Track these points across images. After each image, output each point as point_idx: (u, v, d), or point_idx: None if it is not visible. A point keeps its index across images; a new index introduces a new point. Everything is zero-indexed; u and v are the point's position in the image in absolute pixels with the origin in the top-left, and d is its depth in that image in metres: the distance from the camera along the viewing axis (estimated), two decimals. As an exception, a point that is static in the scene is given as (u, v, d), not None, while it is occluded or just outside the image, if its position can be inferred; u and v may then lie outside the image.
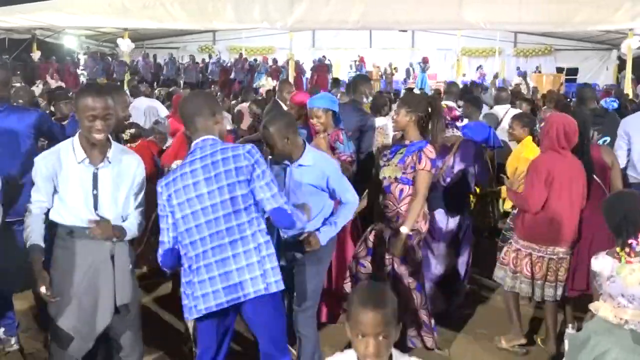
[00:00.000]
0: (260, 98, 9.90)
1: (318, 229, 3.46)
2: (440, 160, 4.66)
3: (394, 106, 6.45)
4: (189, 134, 3.05)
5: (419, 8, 17.04)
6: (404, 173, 3.97)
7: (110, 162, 3.00)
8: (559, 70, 23.06)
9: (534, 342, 4.44)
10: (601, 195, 4.02)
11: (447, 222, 4.79)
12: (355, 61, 22.30)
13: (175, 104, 8.00)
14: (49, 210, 3.00)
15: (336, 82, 13.18)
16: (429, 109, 4.06)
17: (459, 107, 6.45)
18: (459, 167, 4.77)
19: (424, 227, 4.13)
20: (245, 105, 9.39)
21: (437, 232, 4.77)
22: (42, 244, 2.92)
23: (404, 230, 3.89)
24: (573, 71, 24.00)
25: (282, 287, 2.96)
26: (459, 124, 5.11)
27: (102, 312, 3.00)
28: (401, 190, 4.00)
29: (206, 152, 2.89)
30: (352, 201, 3.58)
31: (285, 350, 3.16)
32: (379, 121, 6.58)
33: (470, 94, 8.17)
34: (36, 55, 19.19)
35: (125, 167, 3.06)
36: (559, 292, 4.14)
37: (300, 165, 3.51)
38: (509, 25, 18.83)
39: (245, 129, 8.26)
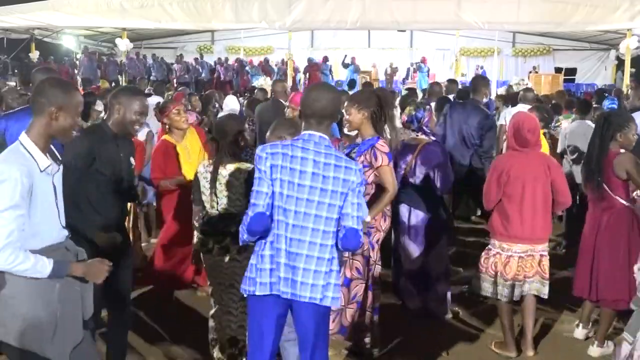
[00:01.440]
0: (255, 99, 9.82)
1: None
2: (404, 160, 4.71)
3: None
4: (307, 124, 2.92)
5: (418, 8, 17.05)
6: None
7: (59, 167, 2.70)
8: (558, 70, 23.07)
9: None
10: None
11: (409, 217, 4.74)
12: (347, 63, 22.21)
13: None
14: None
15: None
16: (379, 103, 4.03)
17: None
18: (419, 170, 4.71)
19: (383, 224, 4.11)
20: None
21: (401, 225, 4.75)
22: (52, 258, 2.51)
23: (367, 219, 3.84)
24: (571, 71, 24.06)
25: (337, 304, 2.97)
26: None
27: (75, 331, 2.68)
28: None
29: (320, 150, 2.86)
30: None
31: None
32: None
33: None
34: (34, 55, 19.14)
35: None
36: (542, 288, 4.13)
37: None
38: (507, 25, 18.84)
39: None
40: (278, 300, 2.88)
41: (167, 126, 5.11)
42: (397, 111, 8.18)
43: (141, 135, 6.88)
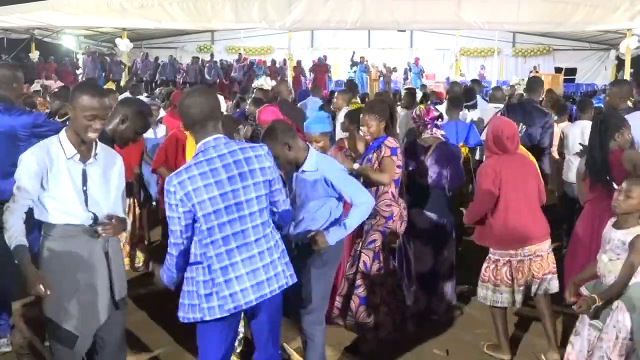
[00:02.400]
0: (257, 98, 9.84)
1: (327, 229, 3.40)
2: (417, 160, 4.76)
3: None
4: (194, 134, 2.87)
5: (418, 8, 17.02)
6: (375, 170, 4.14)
7: (96, 159, 3.00)
8: (558, 70, 23.05)
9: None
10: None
11: (420, 219, 4.76)
12: (356, 61, 22.22)
13: (174, 100, 8.00)
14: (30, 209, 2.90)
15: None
16: (390, 111, 4.38)
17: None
18: (432, 169, 4.74)
19: (399, 228, 4.22)
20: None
21: (413, 230, 4.75)
22: (27, 243, 2.76)
23: (355, 166, 4.18)
24: (571, 71, 24.04)
25: (295, 279, 3.04)
26: (440, 123, 5.04)
27: (101, 309, 2.99)
28: (376, 189, 4.18)
29: (223, 151, 2.81)
30: (365, 201, 3.47)
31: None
32: None
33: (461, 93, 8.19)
34: (34, 55, 19.15)
35: (110, 165, 3.07)
36: (553, 284, 4.14)
37: (303, 171, 3.46)
38: (507, 26, 18.81)
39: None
40: (230, 316, 2.87)
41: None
42: (401, 111, 8.27)
43: (160, 131, 6.93)
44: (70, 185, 2.89)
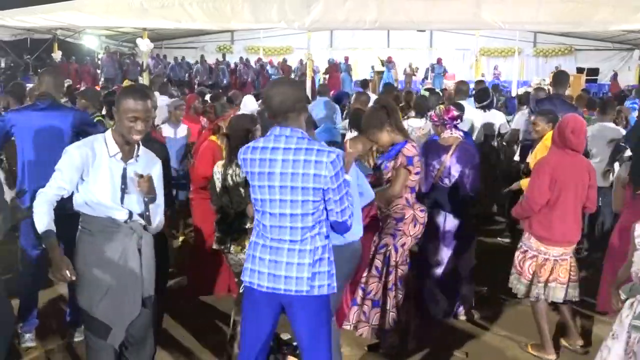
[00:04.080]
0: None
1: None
2: (438, 160, 4.71)
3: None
4: (276, 123, 2.86)
5: (437, 8, 16.87)
6: (389, 177, 4.11)
7: (137, 161, 3.12)
8: (580, 70, 22.79)
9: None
10: None
11: (444, 223, 4.73)
12: (384, 61, 22.19)
13: (189, 103, 8.03)
14: (62, 199, 3.02)
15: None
16: (387, 113, 4.17)
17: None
18: (455, 169, 4.71)
19: (412, 230, 4.16)
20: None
21: (435, 233, 4.72)
22: (54, 229, 2.90)
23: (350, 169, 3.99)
24: (594, 71, 23.75)
25: (325, 292, 2.91)
26: (459, 124, 5.02)
27: (132, 304, 3.08)
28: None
29: (291, 145, 2.81)
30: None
31: (328, 355, 3.00)
32: (417, 122, 6.75)
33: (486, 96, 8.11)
34: (57, 55, 19.32)
35: (150, 166, 3.17)
36: (574, 292, 4.15)
37: None
38: (527, 25, 18.55)
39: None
40: (266, 295, 2.91)
41: (218, 127, 5.22)
42: (412, 112, 8.18)
43: (181, 131, 6.97)
44: (109, 182, 3.01)
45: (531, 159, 5.29)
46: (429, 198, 4.69)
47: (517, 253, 4.26)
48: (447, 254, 4.76)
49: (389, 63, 21.75)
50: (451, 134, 4.77)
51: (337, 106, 8.93)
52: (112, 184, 3.02)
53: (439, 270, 4.76)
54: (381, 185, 4.24)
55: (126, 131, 3.02)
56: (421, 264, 4.82)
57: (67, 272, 2.79)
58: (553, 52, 24.96)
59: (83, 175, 2.98)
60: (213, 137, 5.20)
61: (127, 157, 3.09)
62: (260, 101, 8.98)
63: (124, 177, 3.05)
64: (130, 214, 3.05)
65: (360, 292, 4.20)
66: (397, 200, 4.11)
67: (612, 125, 6.30)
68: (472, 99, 8.53)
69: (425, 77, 23.09)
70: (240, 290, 3.35)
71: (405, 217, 4.14)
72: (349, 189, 2.93)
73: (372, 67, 23.47)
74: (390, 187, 4.07)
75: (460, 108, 5.08)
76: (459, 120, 4.84)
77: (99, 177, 3.00)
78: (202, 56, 22.45)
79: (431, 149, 4.83)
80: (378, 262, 4.14)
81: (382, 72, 21.64)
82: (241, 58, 23.20)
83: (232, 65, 22.75)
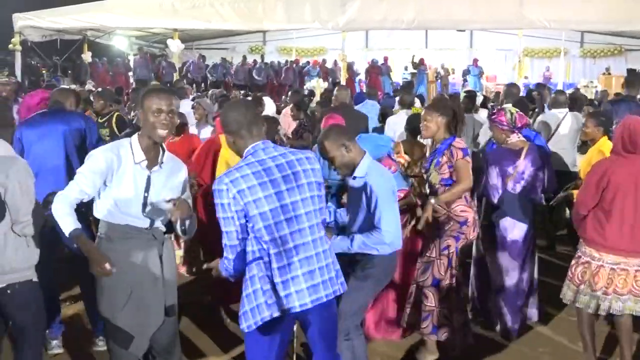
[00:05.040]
0: (306, 100, 9.40)
1: (338, 234, 3.45)
2: (511, 166, 4.56)
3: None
4: (240, 139, 2.90)
5: (478, 6, 16.28)
6: (443, 174, 4.10)
7: (162, 168, 3.08)
8: (630, 72, 21.62)
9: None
10: None
11: (512, 231, 4.58)
12: (416, 62, 21.49)
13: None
14: (82, 203, 3.01)
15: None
16: (454, 112, 4.22)
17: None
18: (529, 172, 4.56)
19: (472, 234, 4.17)
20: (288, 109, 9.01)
21: (502, 241, 4.60)
22: (80, 226, 2.92)
23: (432, 200, 4.04)
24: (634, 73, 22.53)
25: (346, 288, 3.04)
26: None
27: (155, 312, 3.06)
28: None
29: (273, 153, 2.85)
30: (387, 237, 3.28)
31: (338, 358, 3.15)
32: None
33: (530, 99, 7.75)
34: (87, 56, 19.27)
35: (175, 173, 3.15)
36: (636, 306, 3.90)
37: (355, 177, 3.43)
38: (573, 24, 17.77)
39: (290, 134, 7.91)
40: (282, 322, 2.85)
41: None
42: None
43: (204, 133, 6.60)
44: (132, 189, 2.99)
45: (583, 166, 5.24)
46: (499, 208, 4.59)
47: (572, 260, 4.15)
48: (514, 266, 4.61)
49: (421, 65, 20.98)
50: (518, 137, 4.64)
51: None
52: (136, 191, 2.99)
53: (503, 282, 4.63)
54: (411, 202, 4.33)
55: (151, 128, 2.96)
56: (487, 275, 4.75)
57: (107, 265, 2.83)
58: (602, 53, 23.88)
59: (107, 181, 2.95)
60: (222, 136, 4.93)
61: (152, 163, 3.05)
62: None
63: (147, 184, 3.02)
64: (152, 222, 3.04)
65: (414, 293, 4.23)
66: (458, 200, 4.10)
67: None
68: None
69: (465, 79, 22.21)
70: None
71: (468, 221, 4.12)
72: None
73: (406, 68, 22.75)
74: (457, 184, 4.06)
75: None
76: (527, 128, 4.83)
77: (122, 184, 2.97)
78: (244, 57, 22.13)
79: (501, 156, 4.63)
80: (444, 265, 4.11)
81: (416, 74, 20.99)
82: (287, 61, 22.75)
83: (277, 66, 22.32)
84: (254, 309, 2.76)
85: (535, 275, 4.77)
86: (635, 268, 3.86)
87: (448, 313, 4.13)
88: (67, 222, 2.88)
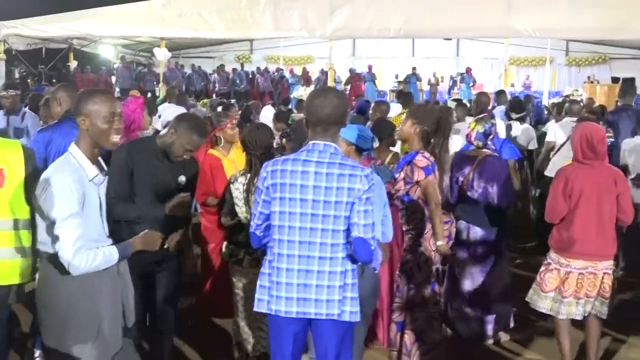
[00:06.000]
0: (286, 110, 9.34)
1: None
2: (461, 172, 4.63)
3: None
4: (313, 132, 2.85)
5: (464, 15, 16.33)
6: (398, 189, 3.95)
7: (105, 178, 2.83)
8: (615, 80, 21.83)
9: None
10: None
11: (467, 234, 4.61)
12: (408, 74, 21.57)
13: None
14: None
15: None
16: (437, 124, 3.98)
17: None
18: (477, 183, 4.59)
19: (433, 245, 4.01)
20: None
21: (462, 246, 4.60)
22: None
23: (439, 243, 3.89)
24: (630, 81, 22.71)
25: (356, 318, 2.88)
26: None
27: (113, 337, 2.81)
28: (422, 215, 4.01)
29: (324, 160, 2.79)
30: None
31: None
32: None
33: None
34: (73, 64, 19.12)
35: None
36: (601, 308, 4.01)
37: None
38: (559, 33, 17.91)
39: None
40: (292, 318, 2.85)
41: (215, 139, 5.03)
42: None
43: None
44: (94, 210, 2.73)
45: None
46: (456, 209, 4.61)
47: (541, 267, 4.19)
48: (477, 270, 4.62)
49: (412, 75, 21.09)
50: (477, 146, 4.69)
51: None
52: (95, 213, 2.73)
53: (467, 287, 4.63)
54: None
55: (104, 135, 2.69)
56: (449, 279, 4.67)
57: (157, 234, 2.86)
58: (586, 61, 24.09)
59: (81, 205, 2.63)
60: (212, 151, 4.96)
61: (99, 177, 2.78)
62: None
63: (100, 201, 2.77)
64: (112, 241, 2.82)
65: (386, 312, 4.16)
66: (416, 213, 3.95)
67: None
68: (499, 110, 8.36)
69: (453, 87, 22.29)
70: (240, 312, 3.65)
71: (425, 232, 3.94)
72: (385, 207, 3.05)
73: (396, 76, 22.80)
74: (430, 207, 3.89)
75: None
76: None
77: (86, 208, 2.65)
78: (221, 65, 21.99)
79: (460, 161, 4.71)
80: (400, 281, 4.00)
81: (406, 82, 21.02)
82: (258, 68, 22.68)
83: (250, 74, 22.26)
84: (269, 297, 2.87)
85: (507, 280, 4.75)
86: (603, 271, 3.95)
87: (421, 328, 3.99)
88: (108, 257, 2.64)
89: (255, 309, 2.93)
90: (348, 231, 2.79)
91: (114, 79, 20.71)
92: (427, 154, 3.90)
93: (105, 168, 2.85)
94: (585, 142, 3.94)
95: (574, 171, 4.00)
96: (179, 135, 3.45)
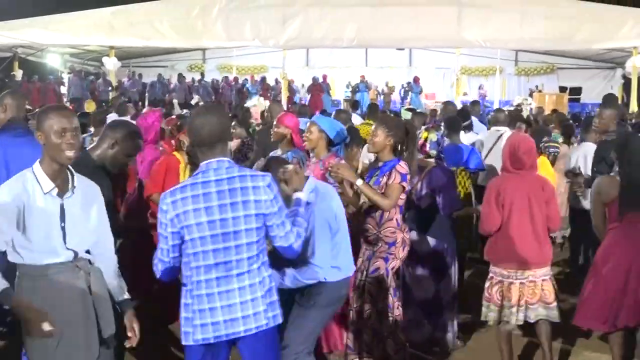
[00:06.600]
0: (242, 119, 9.24)
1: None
2: (412, 182, 4.57)
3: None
4: (201, 154, 2.84)
5: (417, 26, 16.62)
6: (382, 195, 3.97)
7: (74, 193, 2.81)
8: (562, 89, 22.43)
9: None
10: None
11: (418, 242, 4.62)
12: (357, 83, 21.64)
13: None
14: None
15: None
16: (406, 134, 4.13)
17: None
18: (424, 192, 4.69)
19: (401, 253, 4.10)
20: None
21: (412, 254, 4.51)
22: (8, 285, 2.63)
23: (359, 182, 3.89)
24: (576, 90, 23.41)
25: (280, 320, 2.93)
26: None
27: (88, 347, 2.82)
28: (382, 214, 4.02)
29: (222, 176, 2.76)
30: (317, 269, 3.29)
31: None
32: None
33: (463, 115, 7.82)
34: (18, 74, 18.55)
35: (90, 197, 2.91)
36: (548, 313, 4.07)
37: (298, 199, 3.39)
38: (510, 43, 18.30)
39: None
40: (213, 346, 2.85)
41: (180, 143, 5.02)
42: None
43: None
44: (48, 222, 2.73)
45: None
46: (406, 218, 4.57)
47: (486, 282, 4.23)
48: (426, 276, 4.70)
49: (362, 83, 21.23)
50: (424, 157, 4.81)
51: None
52: (52, 224, 2.72)
53: (418, 293, 4.68)
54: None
55: (56, 150, 2.70)
56: (402, 287, 4.67)
57: (47, 324, 2.58)
58: (535, 71, 24.62)
59: (19, 221, 2.65)
60: (176, 153, 4.95)
61: (63, 190, 2.78)
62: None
63: (62, 214, 2.75)
64: (75, 253, 2.78)
65: (355, 318, 4.11)
66: (388, 222, 4.04)
67: (592, 144, 5.99)
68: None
69: (405, 97, 22.48)
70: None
71: (397, 241, 4.06)
72: (297, 209, 3.04)
73: (347, 86, 22.87)
74: (382, 198, 3.92)
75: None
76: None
77: (36, 220, 2.69)
78: (180, 74, 21.68)
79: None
80: (371, 287, 4.03)
81: (355, 91, 21.16)
82: (226, 77, 22.45)
83: (215, 83, 22.06)
84: (193, 328, 2.82)
85: (456, 288, 4.81)
86: (542, 278, 4.04)
87: (386, 333, 4.05)
88: None
89: (184, 342, 2.86)
90: (261, 240, 2.83)
91: (63, 88, 20.17)
92: (406, 164, 4.04)
93: (75, 185, 2.81)
94: (513, 152, 4.03)
95: (504, 182, 4.08)
96: (121, 144, 3.41)
